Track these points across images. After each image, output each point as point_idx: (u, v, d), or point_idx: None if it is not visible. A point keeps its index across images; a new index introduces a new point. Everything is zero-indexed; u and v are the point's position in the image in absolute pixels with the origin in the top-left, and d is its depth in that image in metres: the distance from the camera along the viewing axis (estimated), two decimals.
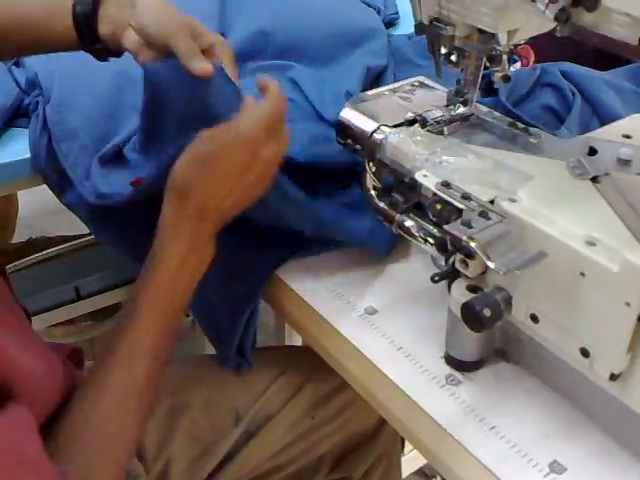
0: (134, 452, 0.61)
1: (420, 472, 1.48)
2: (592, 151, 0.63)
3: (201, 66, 0.66)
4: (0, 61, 0.86)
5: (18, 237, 1.68)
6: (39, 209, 1.85)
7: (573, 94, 0.85)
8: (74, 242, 1.41)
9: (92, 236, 1.45)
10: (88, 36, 0.72)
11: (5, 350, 0.48)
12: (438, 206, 0.61)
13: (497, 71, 0.64)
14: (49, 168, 0.92)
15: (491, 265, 0.53)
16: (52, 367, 0.58)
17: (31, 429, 0.48)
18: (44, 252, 1.36)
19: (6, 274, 0.65)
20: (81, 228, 1.45)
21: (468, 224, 0.55)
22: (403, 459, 1.06)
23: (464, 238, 0.54)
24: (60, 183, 0.92)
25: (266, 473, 0.86)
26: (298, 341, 1.23)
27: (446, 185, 0.60)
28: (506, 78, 0.65)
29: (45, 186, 0.95)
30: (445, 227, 0.56)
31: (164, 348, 0.62)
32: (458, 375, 0.65)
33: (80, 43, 0.73)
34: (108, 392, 0.58)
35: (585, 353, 0.55)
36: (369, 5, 1.24)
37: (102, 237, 0.91)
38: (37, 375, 0.53)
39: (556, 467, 0.57)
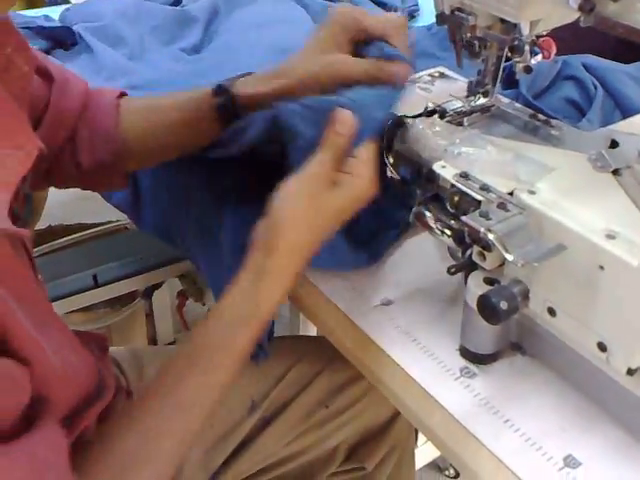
0: None
1: (433, 464, 1.49)
2: (614, 144, 0.62)
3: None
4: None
5: (37, 224, 1.69)
6: (58, 197, 1.86)
7: (595, 87, 0.84)
8: (92, 230, 1.42)
9: (110, 224, 1.47)
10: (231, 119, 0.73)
11: (43, 352, 0.47)
12: (456, 197, 0.60)
13: (518, 62, 0.64)
14: None
15: (509, 257, 0.52)
16: (84, 355, 0.57)
17: (59, 453, 0.47)
18: (63, 239, 1.38)
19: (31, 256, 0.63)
20: (99, 216, 1.47)
21: (486, 215, 0.55)
22: (416, 451, 1.06)
23: (482, 230, 0.53)
24: None
25: (280, 461, 0.87)
26: (313, 332, 1.23)
27: (465, 176, 0.60)
28: (527, 69, 0.65)
29: None
30: (463, 218, 0.55)
31: (217, 402, 0.59)
32: (473, 367, 0.65)
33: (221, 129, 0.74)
34: (157, 436, 0.55)
35: (602, 347, 0.55)
36: (385, 5, 1.24)
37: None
38: (67, 372, 0.52)
39: (571, 461, 0.57)
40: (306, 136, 0.63)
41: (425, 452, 1.32)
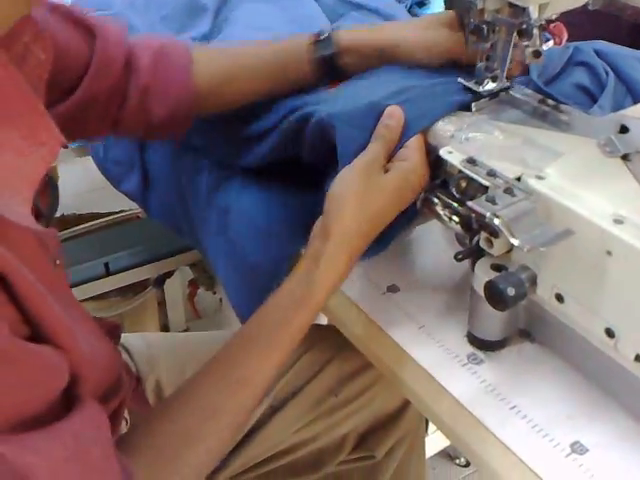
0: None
1: (444, 453, 1.49)
2: (623, 129, 0.61)
3: None
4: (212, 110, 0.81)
5: None
6: (70, 187, 1.87)
7: (607, 73, 0.83)
8: (104, 219, 1.43)
9: (122, 213, 1.47)
10: (328, 75, 0.75)
11: (75, 340, 0.48)
12: (463, 183, 0.60)
13: (527, 46, 0.63)
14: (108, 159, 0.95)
15: (515, 242, 0.52)
16: (106, 346, 0.57)
17: (100, 427, 0.48)
18: (75, 228, 1.39)
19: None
20: (111, 206, 1.47)
21: (492, 201, 0.54)
22: (426, 439, 1.06)
23: (488, 214, 0.53)
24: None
25: (290, 449, 0.87)
26: (324, 321, 1.23)
27: (472, 162, 0.59)
28: (537, 54, 0.64)
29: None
30: (469, 204, 0.55)
31: (273, 380, 0.61)
32: (480, 354, 0.65)
33: (317, 82, 0.76)
34: (215, 413, 0.57)
35: (610, 333, 0.54)
36: None
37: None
38: (96, 359, 0.52)
39: (578, 448, 0.56)
40: (356, 139, 0.66)
41: (436, 441, 1.32)
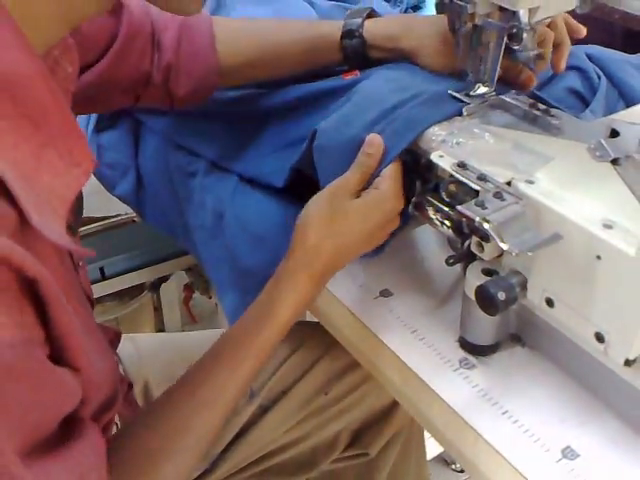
0: None
1: (439, 458, 1.48)
2: (614, 133, 0.61)
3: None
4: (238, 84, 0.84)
5: None
6: None
7: (599, 77, 0.83)
8: (100, 223, 1.43)
9: (118, 217, 1.47)
10: (357, 63, 0.78)
11: (90, 362, 0.47)
12: (454, 187, 0.60)
13: (520, 50, 0.63)
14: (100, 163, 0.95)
15: (504, 246, 0.52)
16: (109, 360, 0.57)
17: (99, 453, 0.48)
18: None
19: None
20: (106, 210, 1.47)
21: (482, 205, 0.54)
22: None
23: (477, 219, 0.53)
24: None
25: (281, 448, 0.87)
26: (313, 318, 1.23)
27: (462, 166, 0.59)
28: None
29: None
30: (458, 208, 0.55)
31: (240, 397, 0.61)
32: (472, 359, 0.65)
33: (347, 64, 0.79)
34: (181, 433, 0.57)
35: (600, 338, 0.54)
36: None
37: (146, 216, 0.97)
38: (100, 379, 0.52)
39: (569, 453, 0.56)
40: (336, 171, 0.66)
41: (431, 446, 1.32)
